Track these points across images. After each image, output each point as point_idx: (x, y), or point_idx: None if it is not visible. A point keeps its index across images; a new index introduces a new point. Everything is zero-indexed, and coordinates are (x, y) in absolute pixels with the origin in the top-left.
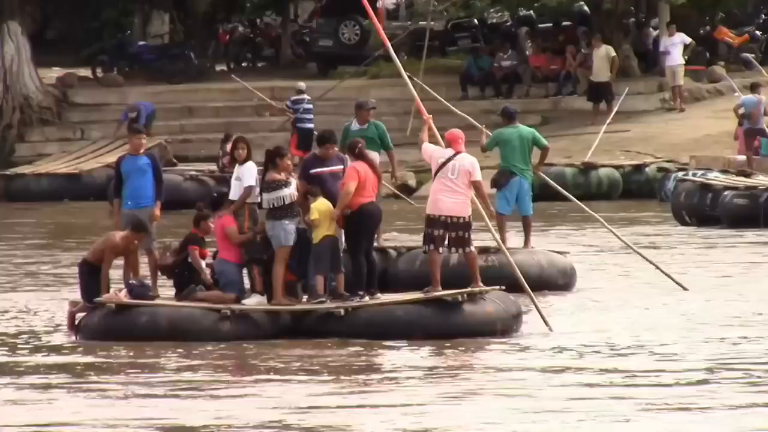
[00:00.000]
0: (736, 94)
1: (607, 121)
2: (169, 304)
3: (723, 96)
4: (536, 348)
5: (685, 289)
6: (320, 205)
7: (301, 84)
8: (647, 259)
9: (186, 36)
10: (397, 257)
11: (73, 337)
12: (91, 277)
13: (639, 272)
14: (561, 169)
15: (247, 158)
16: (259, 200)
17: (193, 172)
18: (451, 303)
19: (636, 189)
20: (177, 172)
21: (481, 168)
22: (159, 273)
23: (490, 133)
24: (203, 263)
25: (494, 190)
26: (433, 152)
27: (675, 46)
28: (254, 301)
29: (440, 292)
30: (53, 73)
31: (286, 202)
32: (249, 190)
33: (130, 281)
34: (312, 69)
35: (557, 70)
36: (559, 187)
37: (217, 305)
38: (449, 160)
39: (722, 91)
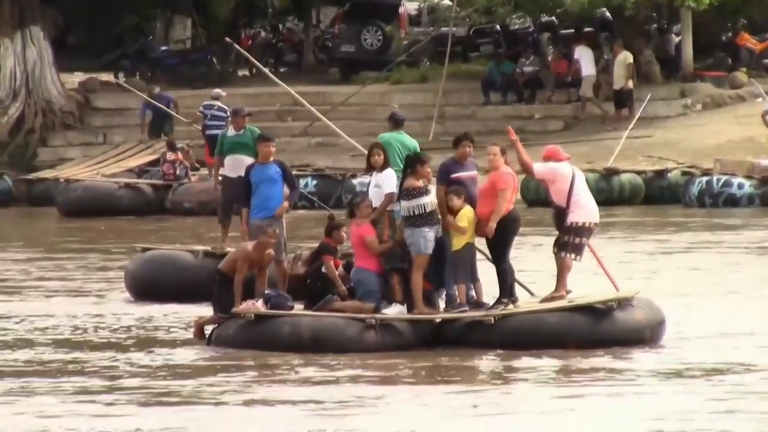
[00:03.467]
0: (759, 100)
1: (630, 127)
2: (311, 314)
3: (745, 102)
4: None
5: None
6: (468, 212)
7: (217, 90)
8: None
9: (208, 41)
10: None
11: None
12: (224, 287)
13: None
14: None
15: (385, 165)
16: (397, 207)
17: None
18: (603, 310)
19: (658, 194)
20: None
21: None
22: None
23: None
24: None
25: None
26: (556, 168)
27: (583, 57)
28: (395, 311)
29: (568, 296)
30: (75, 78)
31: (427, 210)
32: (390, 197)
33: (267, 291)
34: (334, 74)
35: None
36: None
37: (361, 315)
38: (574, 171)
39: (744, 97)
